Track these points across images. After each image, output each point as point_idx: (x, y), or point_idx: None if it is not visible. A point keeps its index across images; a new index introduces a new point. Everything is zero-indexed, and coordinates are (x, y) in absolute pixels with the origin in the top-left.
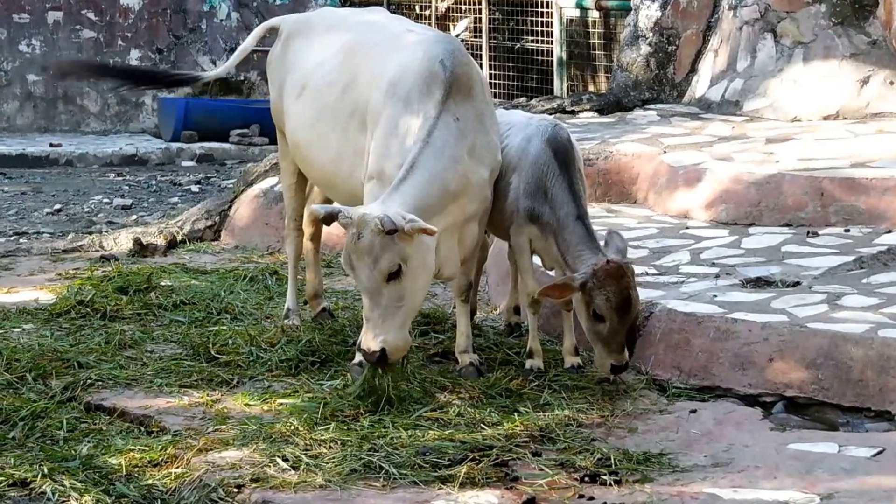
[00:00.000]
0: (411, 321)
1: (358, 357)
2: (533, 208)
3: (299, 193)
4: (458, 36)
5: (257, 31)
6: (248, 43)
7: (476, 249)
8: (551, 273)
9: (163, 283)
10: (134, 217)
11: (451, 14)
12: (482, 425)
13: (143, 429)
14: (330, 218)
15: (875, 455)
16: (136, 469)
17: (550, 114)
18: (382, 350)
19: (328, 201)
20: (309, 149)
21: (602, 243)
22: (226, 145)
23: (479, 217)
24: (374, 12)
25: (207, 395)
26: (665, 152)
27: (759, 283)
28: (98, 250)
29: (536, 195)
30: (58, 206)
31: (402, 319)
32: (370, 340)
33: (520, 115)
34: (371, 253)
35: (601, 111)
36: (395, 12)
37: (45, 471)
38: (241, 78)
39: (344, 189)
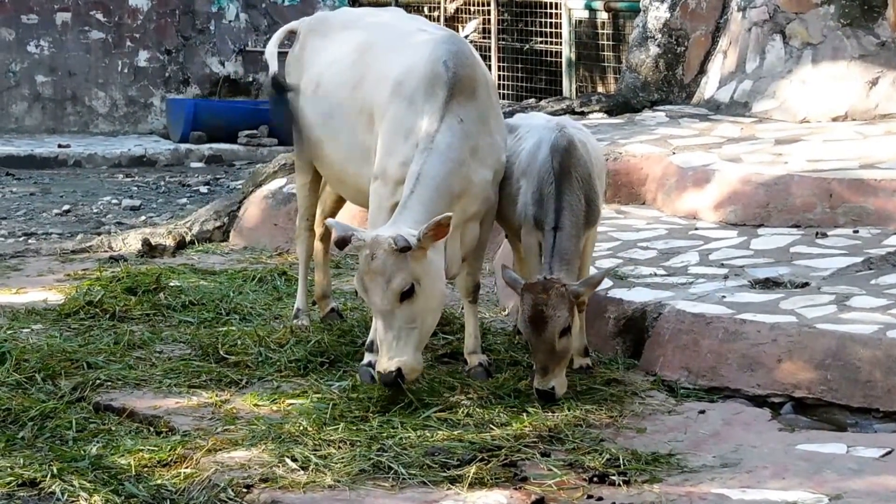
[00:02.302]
0: (424, 345)
1: (367, 357)
2: (537, 214)
3: (313, 193)
4: (466, 37)
5: (279, 34)
6: (273, 47)
7: (482, 249)
8: None
9: (172, 284)
10: (143, 218)
11: (459, 15)
12: (491, 426)
13: (152, 429)
14: (343, 242)
15: (883, 456)
16: (146, 469)
17: (559, 115)
18: (398, 370)
19: (341, 200)
20: (321, 146)
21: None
22: (234, 146)
23: (480, 217)
24: (391, 12)
25: (216, 395)
26: (674, 153)
27: (768, 283)
28: (107, 251)
29: (540, 201)
30: (66, 207)
31: (416, 341)
32: (385, 362)
33: (539, 118)
34: (384, 273)
35: (610, 112)
36: None
37: (55, 471)
38: (250, 79)
39: (353, 187)
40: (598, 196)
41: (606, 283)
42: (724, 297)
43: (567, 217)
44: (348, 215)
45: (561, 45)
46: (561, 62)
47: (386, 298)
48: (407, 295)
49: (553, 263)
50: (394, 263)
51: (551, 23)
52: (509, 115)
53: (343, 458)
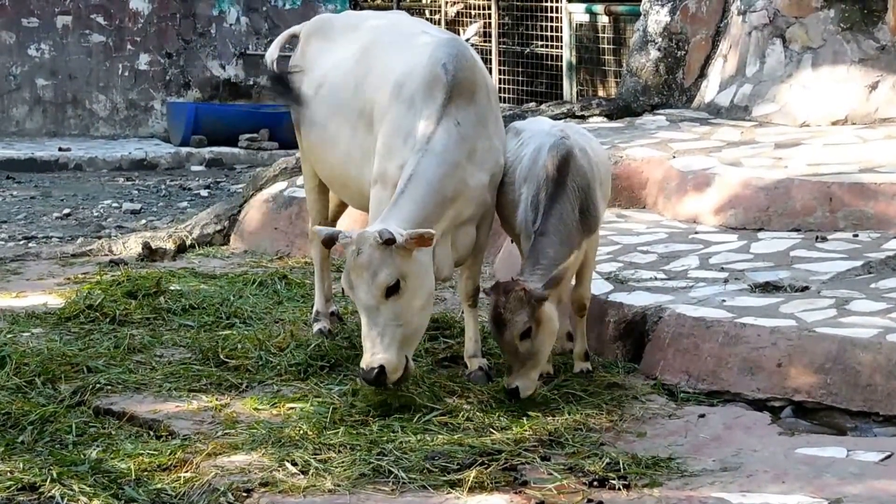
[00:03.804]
0: (413, 347)
1: None
2: (534, 221)
3: (322, 195)
4: (467, 40)
5: (281, 38)
6: (274, 51)
7: (482, 253)
8: None
9: (172, 288)
10: (143, 221)
11: (460, 19)
12: (491, 430)
13: (152, 433)
14: (331, 240)
15: (883, 459)
16: (146, 473)
17: (559, 119)
18: (381, 367)
19: (344, 203)
20: (322, 148)
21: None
22: (235, 150)
23: (476, 221)
24: (395, 15)
25: (216, 399)
26: (674, 157)
27: (768, 287)
28: (107, 255)
29: (537, 208)
30: (67, 211)
31: (400, 340)
32: (368, 358)
33: (544, 123)
34: (369, 267)
35: (610, 116)
36: None
37: (54, 475)
38: (251, 83)
39: (355, 190)
40: (595, 205)
41: (607, 287)
42: (724, 300)
43: (552, 223)
44: (350, 219)
45: (561, 48)
46: (561, 66)
47: (371, 293)
48: (392, 291)
49: (526, 266)
50: (379, 258)
51: (552, 26)
52: (513, 118)
53: (343, 462)
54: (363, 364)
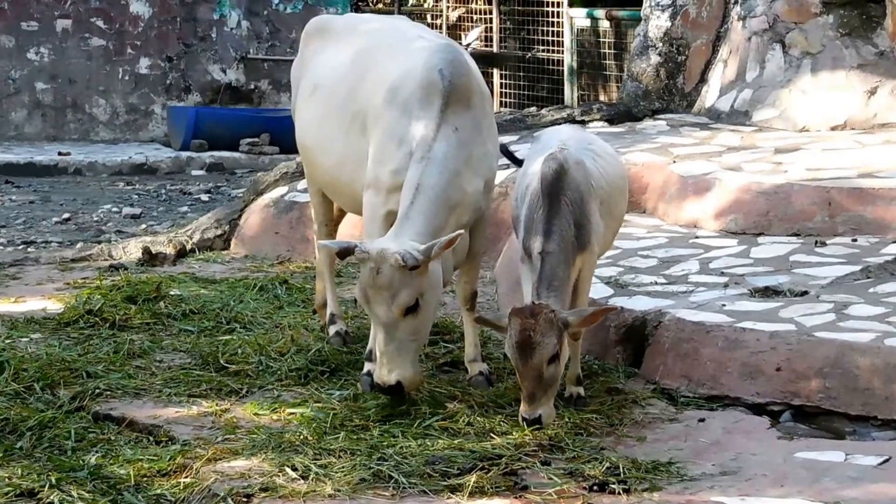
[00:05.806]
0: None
1: (367, 367)
2: (527, 241)
3: (326, 199)
4: (468, 45)
5: None
6: None
7: (479, 258)
8: None
9: (172, 293)
10: (143, 226)
11: (461, 23)
12: (491, 434)
13: (151, 438)
14: (346, 252)
15: (882, 463)
16: (145, 479)
17: (559, 123)
18: (399, 383)
19: (342, 211)
20: (315, 151)
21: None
22: (236, 154)
23: (469, 226)
24: (394, 19)
25: (216, 404)
26: (674, 162)
27: (768, 292)
28: (107, 259)
29: (530, 229)
30: (66, 215)
31: (415, 353)
32: (386, 374)
33: (555, 136)
34: (390, 288)
35: (611, 121)
36: None
37: (53, 481)
38: (252, 87)
39: (348, 194)
40: (589, 219)
41: (607, 291)
42: (723, 305)
43: (556, 241)
44: (350, 223)
45: (563, 53)
46: (563, 70)
47: (391, 312)
48: (411, 309)
49: (541, 289)
50: (400, 279)
51: (553, 31)
52: (513, 122)
53: (343, 467)
54: (379, 379)
